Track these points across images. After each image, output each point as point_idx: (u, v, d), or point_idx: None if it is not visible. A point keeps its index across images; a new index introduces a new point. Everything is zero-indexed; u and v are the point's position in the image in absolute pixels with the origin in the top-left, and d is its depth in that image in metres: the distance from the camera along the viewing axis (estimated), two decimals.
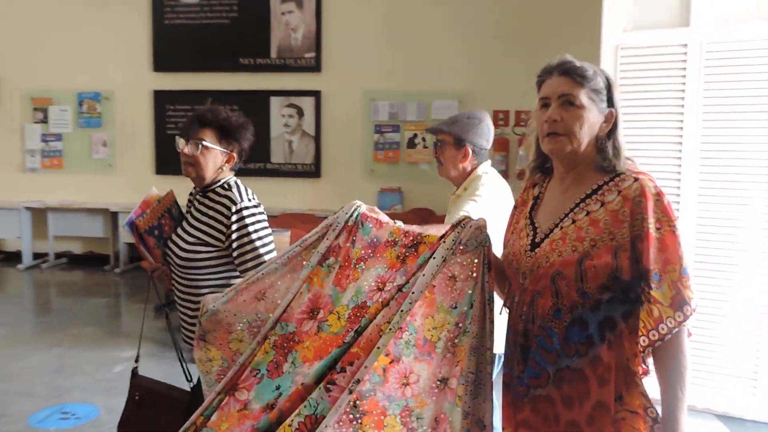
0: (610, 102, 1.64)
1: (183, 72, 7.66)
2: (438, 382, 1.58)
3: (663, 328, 1.51)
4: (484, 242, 1.64)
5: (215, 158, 2.34)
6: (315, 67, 7.42)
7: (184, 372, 2.47)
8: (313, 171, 7.55)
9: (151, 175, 7.76)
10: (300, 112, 7.53)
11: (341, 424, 1.48)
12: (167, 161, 7.74)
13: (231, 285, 2.18)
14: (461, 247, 1.63)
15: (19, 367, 4.44)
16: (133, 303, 6.44)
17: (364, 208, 1.81)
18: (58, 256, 8.02)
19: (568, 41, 6.08)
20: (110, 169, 7.94)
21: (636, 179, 1.55)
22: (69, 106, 7.91)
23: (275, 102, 7.55)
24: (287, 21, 7.44)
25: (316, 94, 7.45)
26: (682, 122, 3.73)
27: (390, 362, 1.55)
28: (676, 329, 1.50)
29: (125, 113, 7.87)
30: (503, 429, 1.71)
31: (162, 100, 7.71)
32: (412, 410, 1.55)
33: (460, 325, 1.60)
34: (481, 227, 1.65)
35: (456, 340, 1.60)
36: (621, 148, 1.62)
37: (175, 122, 7.69)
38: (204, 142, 2.31)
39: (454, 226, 1.66)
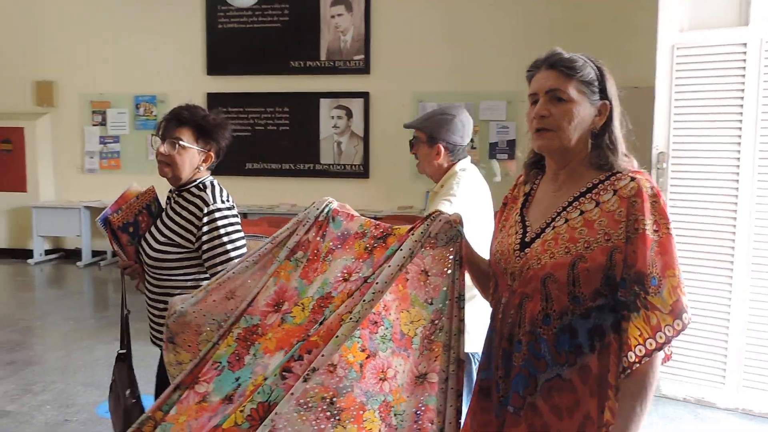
0: (604, 94, 1.53)
1: (235, 75, 7.84)
2: (417, 378, 1.56)
3: (661, 337, 1.39)
4: (456, 237, 1.61)
5: (192, 158, 2.28)
6: (364, 69, 7.51)
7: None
8: (361, 172, 7.64)
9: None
10: (349, 114, 7.63)
11: (318, 421, 1.46)
12: (221, 162, 7.92)
13: (198, 284, 2.13)
14: (432, 241, 1.60)
15: (85, 360, 4.63)
16: None
17: (335, 204, 1.78)
18: (114, 254, 8.29)
19: (622, 41, 6.08)
20: None
21: (633, 179, 1.47)
22: (126, 109, 8.18)
23: (324, 104, 7.67)
24: (336, 24, 7.55)
25: (364, 96, 7.54)
26: (740, 123, 3.67)
27: (366, 357, 1.52)
28: (674, 338, 1.40)
29: None
30: None
31: (215, 102, 7.90)
32: (391, 406, 1.53)
33: (436, 322, 1.58)
34: (451, 222, 1.62)
35: (432, 337, 1.57)
36: (617, 143, 1.52)
37: None
38: (181, 142, 2.25)
39: (423, 219, 1.64)
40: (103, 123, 8.25)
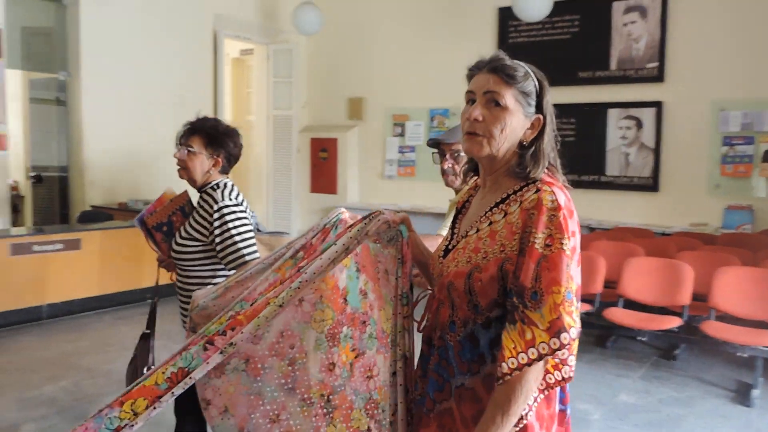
0: (540, 108, 1.51)
1: None
2: (391, 376, 1.62)
3: (533, 353, 1.34)
4: (396, 237, 1.64)
5: (202, 162, 2.53)
6: (657, 77, 7.13)
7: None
8: (650, 184, 7.27)
9: None
10: (639, 124, 7.32)
11: (317, 417, 1.56)
12: None
13: (216, 276, 2.50)
14: (376, 239, 1.64)
15: None
16: None
17: (346, 215, 1.81)
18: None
19: None
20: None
21: (538, 190, 1.42)
22: (422, 122, 8.91)
23: (612, 114, 7.46)
24: (629, 32, 7.30)
25: (657, 105, 7.16)
26: None
27: (356, 357, 1.58)
28: (548, 357, 1.34)
29: None
30: None
31: None
32: (377, 402, 1.59)
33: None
34: (389, 222, 1.64)
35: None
36: (541, 157, 1.49)
37: None
38: (191, 148, 2.52)
39: (363, 218, 1.66)
40: (401, 134, 9.10)
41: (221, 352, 1.52)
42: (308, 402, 1.60)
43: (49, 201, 7.81)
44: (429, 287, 1.73)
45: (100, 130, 7.28)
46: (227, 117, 8.95)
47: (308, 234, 1.81)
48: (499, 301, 1.42)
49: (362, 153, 9.45)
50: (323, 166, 9.54)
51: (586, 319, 5.43)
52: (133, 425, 1.41)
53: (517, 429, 1.42)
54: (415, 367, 1.65)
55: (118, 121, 7.42)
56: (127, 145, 7.48)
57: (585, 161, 7.67)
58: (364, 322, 1.63)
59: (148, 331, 2.89)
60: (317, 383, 1.60)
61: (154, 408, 1.44)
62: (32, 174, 7.79)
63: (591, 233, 6.96)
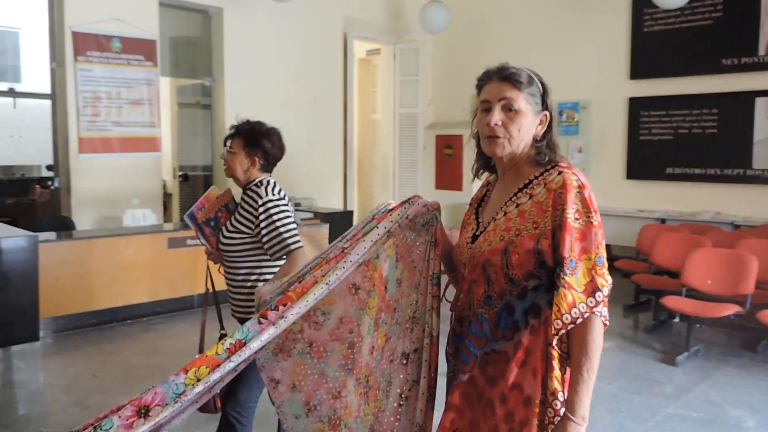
0: (545, 105, 1.73)
1: (659, 78, 7.70)
2: (414, 353, 1.75)
3: (576, 313, 1.55)
4: (432, 221, 1.77)
5: (241, 161, 2.70)
6: None
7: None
8: None
9: (622, 180, 8.04)
10: None
11: (360, 396, 1.75)
12: (638, 166, 7.90)
13: (261, 266, 2.64)
14: (410, 223, 1.76)
15: None
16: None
17: (394, 205, 1.87)
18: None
19: None
20: (584, 174, 8.48)
21: (560, 172, 1.64)
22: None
23: (761, 103, 6.98)
24: None
25: None
26: None
27: (386, 341, 1.75)
28: (588, 314, 1.55)
29: (600, 121, 8.32)
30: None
31: (636, 106, 7.90)
32: (391, 383, 1.74)
33: (419, 302, 1.77)
34: (428, 206, 1.79)
35: (415, 314, 1.77)
36: (554, 146, 1.73)
37: (648, 128, 7.80)
38: (230, 149, 2.71)
39: (403, 202, 1.79)
40: None
41: (274, 325, 1.68)
42: (359, 382, 1.79)
43: (194, 198, 8.38)
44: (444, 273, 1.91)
45: None
46: (355, 116, 9.21)
47: (358, 225, 1.91)
48: (534, 272, 1.61)
49: None
50: (448, 163, 9.60)
51: (735, 321, 5.14)
52: (195, 389, 1.59)
53: (542, 396, 1.59)
54: (447, 345, 1.81)
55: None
56: None
57: (728, 154, 7.24)
58: (395, 309, 1.79)
59: (224, 332, 2.96)
60: (365, 365, 1.79)
61: (215, 373, 1.61)
62: (180, 173, 8.40)
63: (735, 230, 6.56)
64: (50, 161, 9.42)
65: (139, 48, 6.84)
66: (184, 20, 7.90)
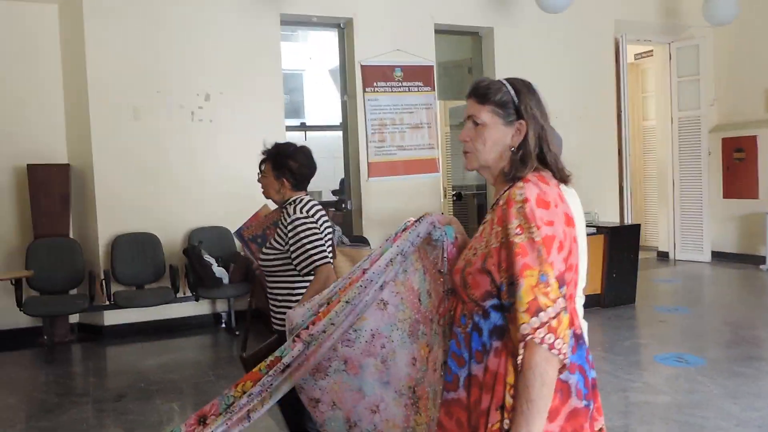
0: (520, 114, 1.63)
1: None
2: (442, 366, 1.74)
3: (519, 335, 1.46)
4: (441, 237, 1.75)
5: (272, 183, 2.82)
6: None
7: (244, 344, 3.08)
8: None
9: None
10: None
11: (406, 407, 1.84)
12: None
13: (294, 283, 2.73)
14: (426, 239, 1.79)
15: None
16: None
17: (411, 221, 1.85)
18: None
19: None
20: None
21: (512, 187, 1.57)
22: None
23: None
24: None
25: None
26: None
27: (429, 351, 1.81)
28: (530, 336, 1.44)
29: None
30: None
31: None
32: (438, 393, 1.74)
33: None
34: (435, 223, 1.78)
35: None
36: (528, 158, 1.62)
37: None
38: (262, 173, 2.85)
39: (415, 221, 1.80)
40: None
41: (304, 342, 1.79)
42: (400, 393, 1.85)
43: (466, 217, 8.58)
44: None
45: None
46: (628, 124, 8.70)
47: (381, 245, 1.94)
48: (492, 292, 1.54)
49: None
50: (739, 168, 8.61)
51: None
52: (240, 400, 1.75)
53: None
54: None
55: None
56: None
57: None
58: (432, 319, 1.82)
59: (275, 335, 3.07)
60: (405, 376, 1.85)
61: (257, 387, 1.76)
62: (453, 192, 8.66)
63: None
64: (333, 186, 10.39)
65: (418, 75, 7.21)
66: (455, 44, 8.18)
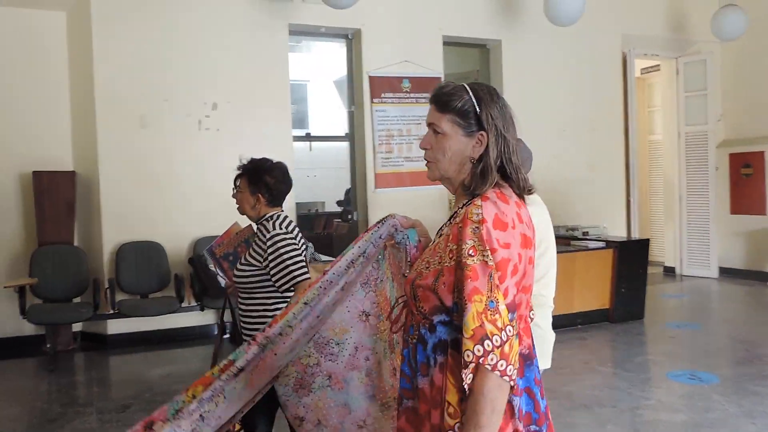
0: (481, 125, 1.55)
1: None
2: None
3: (463, 360, 1.40)
4: (404, 241, 1.72)
5: (247, 198, 2.77)
6: None
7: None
8: None
9: None
10: None
11: (393, 419, 1.76)
12: None
13: (271, 299, 2.67)
14: (390, 241, 1.75)
15: None
16: None
17: (392, 221, 1.81)
18: None
19: None
20: None
21: (469, 204, 1.50)
22: None
23: None
24: None
25: None
26: None
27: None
28: (473, 363, 1.39)
29: None
30: None
31: None
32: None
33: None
34: (397, 225, 1.74)
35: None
36: (489, 172, 1.54)
37: None
38: (237, 188, 2.81)
39: (377, 223, 1.77)
40: None
41: (259, 345, 1.74)
42: (386, 406, 1.81)
43: None
44: None
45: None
46: (635, 138, 8.67)
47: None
48: (441, 307, 1.49)
49: None
50: (747, 184, 8.57)
51: None
52: (190, 406, 1.67)
53: None
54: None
55: (535, 153, 7.69)
56: (543, 175, 7.73)
57: None
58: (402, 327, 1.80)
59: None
60: (390, 388, 1.80)
61: (208, 391, 1.70)
62: None
63: None
64: (337, 196, 10.34)
65: (425, 86, 7.18)
66: (462, 56, 8.16)
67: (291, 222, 2.78)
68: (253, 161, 2.83)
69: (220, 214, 6.19)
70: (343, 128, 7.47)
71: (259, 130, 6.45)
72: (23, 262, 5.93)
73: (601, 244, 6.54)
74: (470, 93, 1.56)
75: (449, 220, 1.58)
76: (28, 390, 5.01)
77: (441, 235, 1.57)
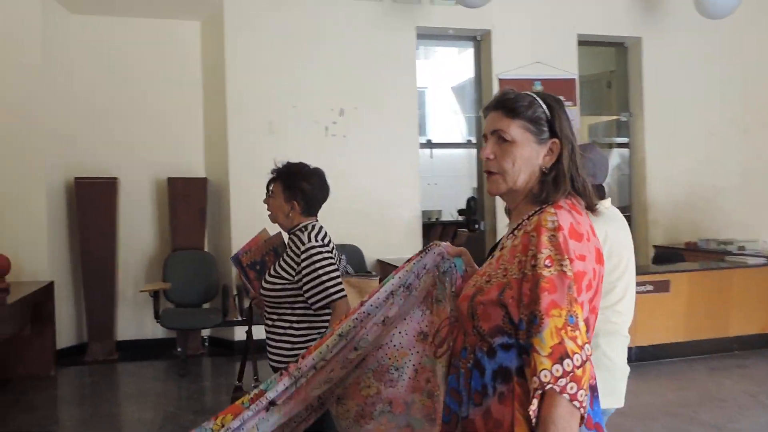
0: (554, 132, 1.47)
1: None
2: None
3: (535, 381, 1.26)
4: (450, 270, 1.64)
5: (281, 206, 2.56)
6: None
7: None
8: None
9: None
10: None
11: None
12: None
13: (299, 316, 2.48)
14: (432, 271, 1.65)
15: None
16: None
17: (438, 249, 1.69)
18: None
19: None
20: None
21: (542, 211, 1.40)
22: None
23: None
24: None
25: None
26: None
27: None
28: (550, 386, 1.24)
29: None
30: None
31: None
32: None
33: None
34: (443, 254, 1.65)
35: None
36: (562, 181, 1.45)
37: None
38: (270, 194, 2.60)
39: (420, 252, 1.68)
40: None
41: (291, 377, 1.67)
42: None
43: None
44: None
45: (662, 168, 7.11)
46: None
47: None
48: (504, 328, 1.36)
49: None
50: None
51: None
52: None
53: None
54: None
55: (680, 158, 7.13)
56: (689, 182, 7.11)
57: None
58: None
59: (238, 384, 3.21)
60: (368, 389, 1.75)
61: (236, 421, 1.61)
62: None
63: None
64: (458, 205, 10.07)
65: (558, 88, 6.74)
66: (593, 56, 7.68)
67: (327, 234, 2.58)
68: (288, 165, 2.64)
69: (345, 221, 6.10)
70: (461, 135, 7.19)
71: (386, 136, 6.30)
72: (157, 266, 6.08)
73: (762, 260, 5.85)
74: (539, 100, 1.51)
75: (512, 231, 1.49)
76: (161, 394, 5.08)
77: (501, 249, 1.48)
